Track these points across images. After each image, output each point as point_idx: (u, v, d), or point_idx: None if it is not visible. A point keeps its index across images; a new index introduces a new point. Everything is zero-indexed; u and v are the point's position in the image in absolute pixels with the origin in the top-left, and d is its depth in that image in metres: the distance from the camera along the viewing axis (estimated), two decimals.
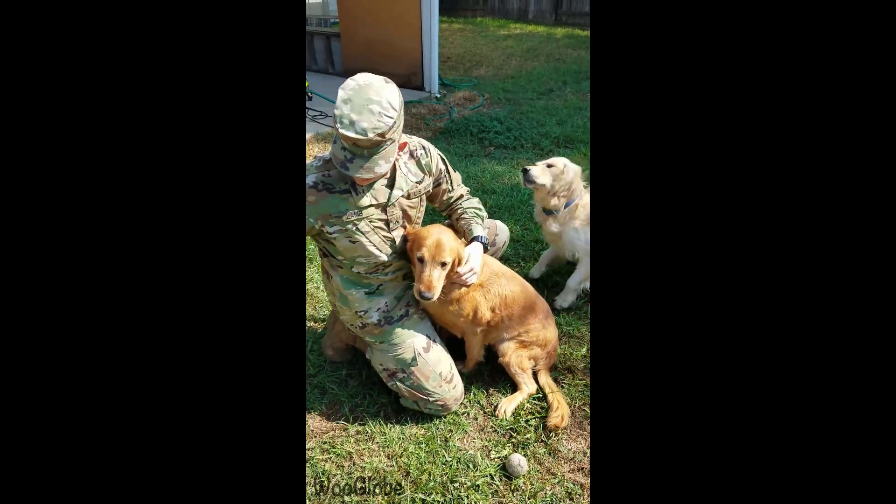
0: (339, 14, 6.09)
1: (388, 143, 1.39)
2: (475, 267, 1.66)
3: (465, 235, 1.75)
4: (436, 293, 1.57)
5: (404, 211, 1.66)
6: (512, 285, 1.83)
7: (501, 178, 3.63)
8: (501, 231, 2.07)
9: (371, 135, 1.32)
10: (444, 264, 1.58)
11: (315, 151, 4.08)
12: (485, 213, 1.84)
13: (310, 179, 1.51)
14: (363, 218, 1.57)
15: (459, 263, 1.64)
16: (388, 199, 1.59)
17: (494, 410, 1.80)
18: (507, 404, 1.79)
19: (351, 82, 1.36)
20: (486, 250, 1.75)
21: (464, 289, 1.71)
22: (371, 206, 1.57)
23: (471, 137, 4.42)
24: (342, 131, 1.31)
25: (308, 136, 4.37)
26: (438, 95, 5.61)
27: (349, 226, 1.56)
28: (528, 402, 1.82)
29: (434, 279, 1.57)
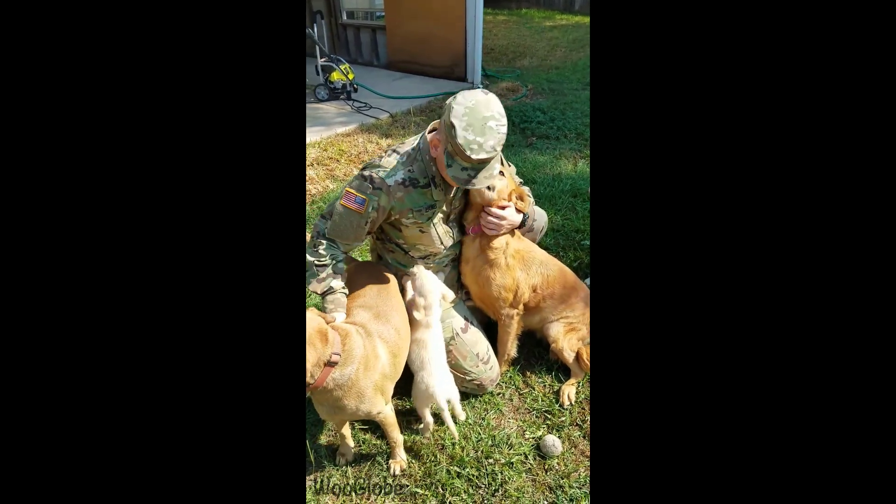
0: (384, 7, 6.19)
1: None
2: (508, 217, 1.68)
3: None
4: None
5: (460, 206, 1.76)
6: (551, 266, 1.84)
7: (543, 168, 3.60)
8: (540, 217, 2.07)
9: (499, 148, 1.40)
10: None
11: (359, 142, 4.19)
12: (532, 201, 1.89)
13: (399, 176, 1.57)
14: (437, 211, 1.66)
15: (500, 197, 1.66)
16: (455, 193, 1.68)
17: (530, 392, 1.82)
18: (569, 388, 1.80)
19: (459, 108, 1.38)
20: (523, 224, 1.79)
21: (500, 252, 1.72)
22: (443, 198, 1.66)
23: (512, 128, 4.39)
24: (476, 157, 1.37)
25: (353, 127, 4.49)
26: (481, 86, 5.61)
27: (426, 218, 1.65)
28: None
29: None
